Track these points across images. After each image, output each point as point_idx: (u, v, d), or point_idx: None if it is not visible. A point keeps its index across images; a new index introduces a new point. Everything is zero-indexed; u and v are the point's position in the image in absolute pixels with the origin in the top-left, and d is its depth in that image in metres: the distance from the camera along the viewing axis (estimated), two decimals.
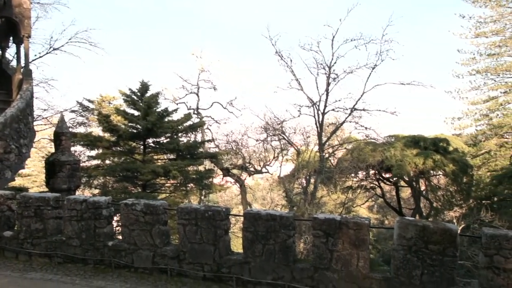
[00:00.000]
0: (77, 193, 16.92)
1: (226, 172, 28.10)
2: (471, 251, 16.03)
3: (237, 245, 20.56)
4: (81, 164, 18.44)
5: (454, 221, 20.86)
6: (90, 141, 19.61)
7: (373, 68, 25.03)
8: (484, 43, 34.67)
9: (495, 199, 22.56)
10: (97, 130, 26.20)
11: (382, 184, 30.93)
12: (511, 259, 6.83)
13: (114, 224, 11.54)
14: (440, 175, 28.30)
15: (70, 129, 21.15)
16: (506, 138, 33.34)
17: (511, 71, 33.49)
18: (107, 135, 20.74)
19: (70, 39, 25.62)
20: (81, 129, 28.43)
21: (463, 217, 21.59)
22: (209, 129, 29.78)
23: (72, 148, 19.01)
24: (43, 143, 31.83)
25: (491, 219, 18.27)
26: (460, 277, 8.05)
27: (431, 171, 26.89)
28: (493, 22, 34.00)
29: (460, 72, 36.29)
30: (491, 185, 23.57)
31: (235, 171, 28.89)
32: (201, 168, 24.72)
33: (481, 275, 7.20)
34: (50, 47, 25.35)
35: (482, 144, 33.23)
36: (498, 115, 34.47)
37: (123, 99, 20.70)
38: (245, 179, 29.46)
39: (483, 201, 22.62)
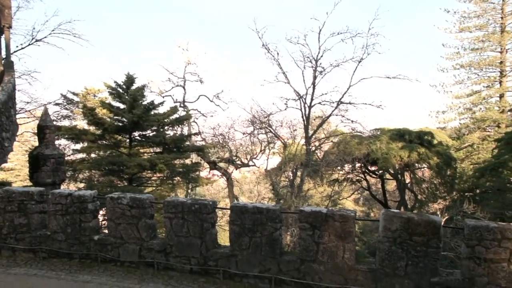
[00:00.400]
0: (62, 187, 16.72)
1: (213, 165, 28.04)
2: (454, 242, 16.32)
3: (224, 238, 20.61)
4: (66, 158, 18.20)
5: (438, 213, 21.19)
6: (75, 135, 19.35)
7: (359, 62, 25.14)
8: (468, 37, 35.16)
9: (478, 191, 22.96)
10: (82, 123, 25.85)
11: (368, 177, 31.24)
12: (491, 250, 6.99)
13: (100, 218, 11.44)
14: (425, 168, 28.70)
15: (54, 122, 20.81)
16: (489, 131, 33.96)
17: (494, 66, 34.03)
18: (92, 128, 20.49)
19: (53, 30, 25.10)
20: (65, 122, 27.98)
21: (447, 209, 21.95)
22: (196, 122, 29.64)
23: (57, 142, 18.71)
24: (26, 137, 31.29)
25: (473, 211, 18.62)
26: (443, 267, 8.22)
27: (416, 164, 27.25)
28: (477, 17, 34.47)
29: (445, 66, 36.78)
30: (473, 177, 23.97)
31: (222, 164, 28.84)
32: (187, 161, 24.61)
33: (463, 265, 7.36)
34: (33, 38, 24.81)
35: (466, 137, 33.81)
36: (481, 109, 35.06)
37: (109, 92, 20.42)
38: (232, 172, 29.44)
39: (466, 193, 23.02)
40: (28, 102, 25.59)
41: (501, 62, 33.55)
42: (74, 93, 29.58)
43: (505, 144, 21.24)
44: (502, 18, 33.25)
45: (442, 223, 7.62)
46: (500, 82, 33.97)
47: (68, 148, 24.55)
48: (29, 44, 24.88)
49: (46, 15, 58.82)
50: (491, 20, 33.99)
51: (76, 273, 9.03)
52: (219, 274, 8.68)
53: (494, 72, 34.59)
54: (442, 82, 37.10)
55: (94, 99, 30.22)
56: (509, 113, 32.17)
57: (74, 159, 21.45)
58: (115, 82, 20.12)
